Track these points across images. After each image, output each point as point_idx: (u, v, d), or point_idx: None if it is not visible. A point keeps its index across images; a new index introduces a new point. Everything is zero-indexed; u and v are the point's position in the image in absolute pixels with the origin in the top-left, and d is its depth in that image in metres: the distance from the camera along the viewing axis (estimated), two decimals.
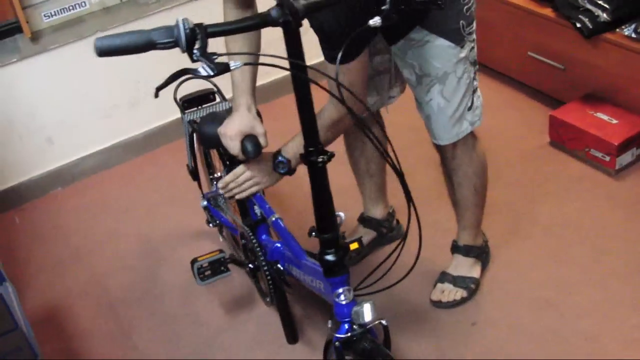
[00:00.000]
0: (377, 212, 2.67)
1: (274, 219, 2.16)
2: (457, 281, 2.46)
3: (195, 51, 1.36)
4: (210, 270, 2.34)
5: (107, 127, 3.49)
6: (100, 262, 2.95)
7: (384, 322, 1.78)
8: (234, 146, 2.02)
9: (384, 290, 1.86)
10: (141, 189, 3.38)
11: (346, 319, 1.78)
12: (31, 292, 2.85)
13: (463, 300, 2.45)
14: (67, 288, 2.85)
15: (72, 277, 2.90)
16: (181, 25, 1.34)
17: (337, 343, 1.77)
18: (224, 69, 1.38)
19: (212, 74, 1.37)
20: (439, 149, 2.25)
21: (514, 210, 2.81)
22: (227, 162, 2.34)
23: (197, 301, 2.66)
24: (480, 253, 2.51)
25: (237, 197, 2.17)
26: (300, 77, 1.55)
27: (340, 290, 1.78)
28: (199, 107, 2.49)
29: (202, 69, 1.37)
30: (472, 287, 2.47)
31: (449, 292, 2.45)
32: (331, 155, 1.65)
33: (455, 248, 2.51)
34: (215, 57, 1.37)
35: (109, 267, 2.92)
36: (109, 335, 2.60)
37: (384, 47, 2.16)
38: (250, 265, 2.29)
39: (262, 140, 2.03)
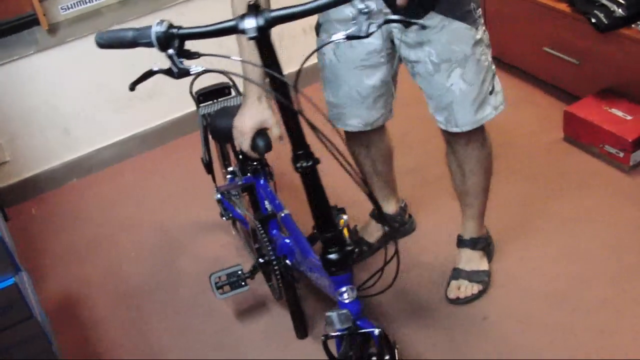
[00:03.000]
0: (389, 208, 2.67)
1: (283, 214, 2.17)
2: (471, 276, 2.46)
3: (169, 51, 1.47)
4: (228, 284, 2.36)
5: (123, 119, 3.51)
6: (116, 253, 2.98)
7: (376, 331, 1.76)
8: (245, 143, 2.03)
9: (378, 294, 1.83)
10: (157, 180, 3.40)
11: None
12: (48, 281, 2.88)
13: (480, 294, 2.45)
14: (83, 278, 2.88)
15: (88, 267, 2.93)
16: (154, 28, 1.46)
17: (324, 338, 1.79)
18: (184, 73, 1.48)
19: (174, 76, 1.48)
20: (452, 139, 2.24)
21: (527, 205, 2.80)
22: (240, 157, 2.36)
23: (210, 292, 2.66)
24: (486, 245, 2.52)
25: None
26: (277, 82, 1.53)
27: (344, 289, 1.75)
28: (214, 100, 2.51)
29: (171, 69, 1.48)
30: (486, 280, 2.47)
31: (466, 288, 2.45)
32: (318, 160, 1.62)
33: (462, 242, 2.51)
34: (182, 60, 1.48)
35: (124, 257, 2.95)
36: (124, 324, 2.63)
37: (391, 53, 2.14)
38: (260, 260, 2.30)
39: (274, 130, 2.02)
